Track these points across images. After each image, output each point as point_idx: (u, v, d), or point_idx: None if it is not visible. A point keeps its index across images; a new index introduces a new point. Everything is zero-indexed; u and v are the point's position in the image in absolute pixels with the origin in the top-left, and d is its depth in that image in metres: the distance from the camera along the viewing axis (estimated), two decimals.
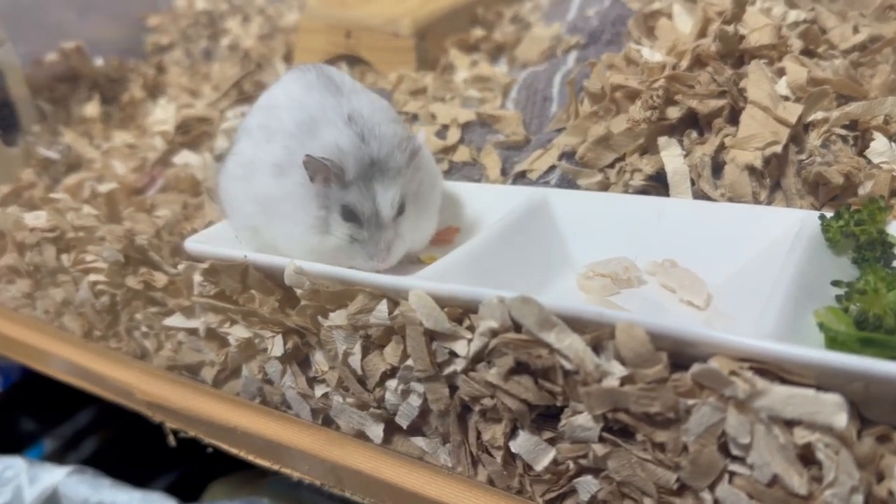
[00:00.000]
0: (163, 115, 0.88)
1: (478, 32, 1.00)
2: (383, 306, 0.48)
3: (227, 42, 1.15)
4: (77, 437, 1.23)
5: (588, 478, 0.44)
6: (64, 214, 0.65)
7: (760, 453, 0.37)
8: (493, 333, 0.44)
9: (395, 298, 0.48)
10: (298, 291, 0.51)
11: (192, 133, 0.84)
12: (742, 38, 0.60)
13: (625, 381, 0.40)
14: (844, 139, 0.58)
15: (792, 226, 0.52)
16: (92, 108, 0.95)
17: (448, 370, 0.46)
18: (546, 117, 0.75)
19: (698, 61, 0.63)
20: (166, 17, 1.24)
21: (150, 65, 1.10)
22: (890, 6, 0.75)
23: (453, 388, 0.47)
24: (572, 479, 0.45)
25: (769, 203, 0.56)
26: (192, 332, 0.58)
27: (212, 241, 0.57)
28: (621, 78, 0.64)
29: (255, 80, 0.95)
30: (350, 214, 0.54)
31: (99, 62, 1.06)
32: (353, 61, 1.01)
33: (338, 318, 0.51)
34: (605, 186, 0.64)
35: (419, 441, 0.51)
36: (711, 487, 0.40)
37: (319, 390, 0.54)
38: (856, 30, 0.67)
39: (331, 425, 0.55)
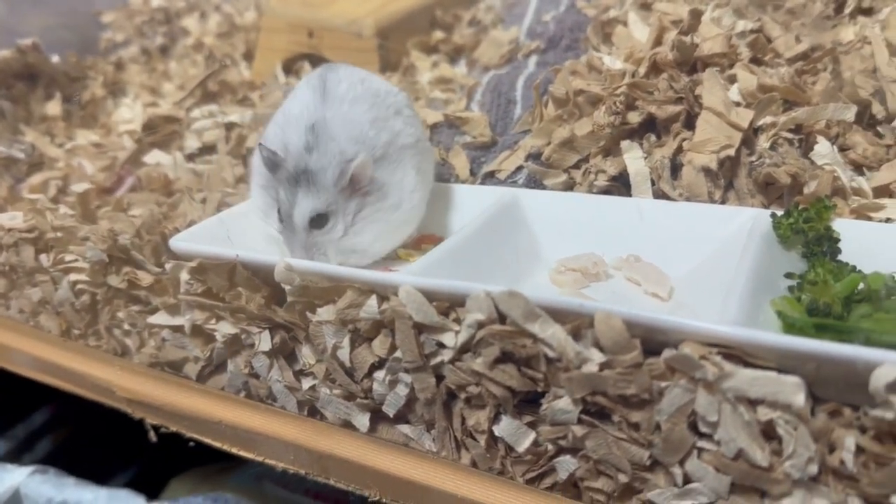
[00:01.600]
0: (129, 114, 0.88)
1: (438, 34, 1.03)
2: (373, 301, 0.50)
3: (189, 41, 1.14)
4: (31, 438, 1.22)
5: (567, 457, 0.47)
6: (43, 215, 0.65)
7: (727, 430, 0.41)
8: (480, 325, 0.47)
9: (383, 294, 0.51)
10: (287, 288, 0.53)
11: (159, 132, 0.85)
12: (696, 46, 0.64)
13: (603, 366, 0.44)
14: (790, 142, 0.63)
15: (745, 223, 0.56)
16: (53, 107, 0.94)
17: (435, 361, 0.49)
18: (510, 119, 0.78)
19: (655, 68, 0.67)
20: (121, 14, 1.23)
21: (109, 62, 1.09)
22: (827, 16, 0.81)
23: (439, 378, 0.50)
24: (552, 459, 0.48)
25: (723, 202, 0.61)
26: (177, 329, 0.60)
27: (196, 240, 0.59)
28: (584, 83, 0.68)
29: (220, 79, 0.95)
30: (279, 212, 0.60)
31: (55, 59, 1.05)
32: (316, 61, 1.02)
33: (326, 313, 0.53)
34: (569, 186, 0.68)
35: (405, 428, 0.53)
36: (681, 462, 0.44)
37: (306, 383, 0.56)
38: (798, 39, 0.72)
39: (316, 416, 0.58)
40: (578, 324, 0.45)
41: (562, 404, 0.46)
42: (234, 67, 1.02)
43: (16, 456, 1.17)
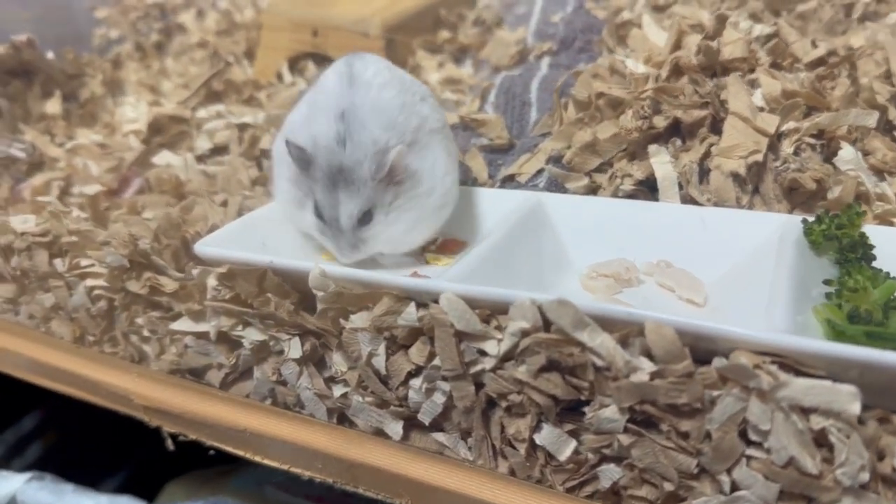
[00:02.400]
0: (133, 113, 0.87)
1: (444, 34, 1.02)
2: (412, 309, 0.49)
3: (194, 39, 1.12)
4: (21, 443, 1.19)
5: (610, 466, 0.47)
6: (59, 218, 0.64)
7: (779, 438, 0.42)
8: (524, 333, 0.46)
9: (420, 301, 0.50)
10: (320, 294, 0.52)
11: (167, 133, 0.83)
12: (720, 51, 0.64)
13: (654, 375, 0.43)
14: (813, 147, 0.63)
15: (775, 229, 0.56)
16: (53, 105, 0.92)
17: (475, 369, 0.49)
18: (526, 122, 0.78)
19: (676, 72, 0.68)
20: (115, 10, 1.20)
21: (107, 59, 1.07)
22: (838, 21, 0.82)
23: (478, 386, 0.50)
24: (594, 468, 0.48)
25: (750, 207, 0.61)
26: (201, 335, 0.59)
27: (221, 244, 0.58)
28: (605, 87, 0.68)
29: (225, 78, 0.94)
30: (317, 211, 0.59)
31: (49, 56, 1.03)
32: (320, 60, 1.01)
33: (359, 320, 0.52)
34: (591, 190, 0.68)
35: (439, 436, 0.53)
36: (729, 470, 0.44)
37: (337, 390, 0.55)
38: (814, 44, 0.72)
39: (345, 424, 0.57)
40: (627, 332, 0.44)
41: (608, 413, 0.46)
42: (236, 66, 1.01)
43: (6, 461, 1.14)
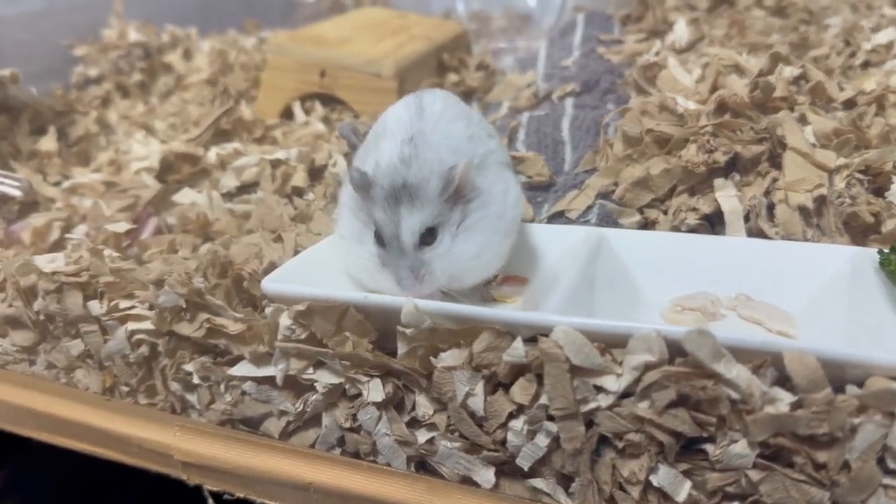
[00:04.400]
0: (143, 150, 0.81)
1: (453, 77, 1.02)
2: (518, 343, 0.47)
3: (192, 78, 1.08)
4: None
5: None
6: (101, 256, 0.58)
7: None
8: (648, 367, 0.44)
9: (524, 336, 0.48)
10: (408, 331, 0.49)
11: (179, 171, 0.79)
12: (774, 88, 0.65)
13: (794, 406, 0.42)
14: (861, 182, 0.65)
15: (846, 261, 0.57)
16: (48, 143, 0.86)
17: (588, 407, 0.46)
18: (561, 159, 0.77)
19: (721, 109, 0.68)
20: (94, 48, 1.15)
21: (97, 97, 1.01)
22: (849, 66, 0.85)
23: (588, 425, 0.47)
24: None
25: (815, 240, 0.61)
26: (264, 380, 0.54)
27: (289, 281, 0.54)
28: (654, 123, 0.68)
29: (235, 117, 0.90)
30: (378, 236, 0.55)
31: (31, 91, 0.97)
32: (327, 100, 0.99)
33: (452, 358, 0.49)
34: (643, 225, 0.67)
35: (537, 482, 0.50)
36: (864, 502, 0.43)
37: (422, 436, 0.51)
38: (840, 87, 0.75)
39: (421, 472, 0.53)
40: (761, 363, 0.43)
41: (738, 448, 0.44)
42: (236, 106, 0.97)
43: None
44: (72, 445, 0.62)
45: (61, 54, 1.13)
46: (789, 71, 0.75)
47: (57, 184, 0.82)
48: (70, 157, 0.89)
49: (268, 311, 0.51)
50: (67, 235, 0.68)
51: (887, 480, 0.42)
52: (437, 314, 0.49)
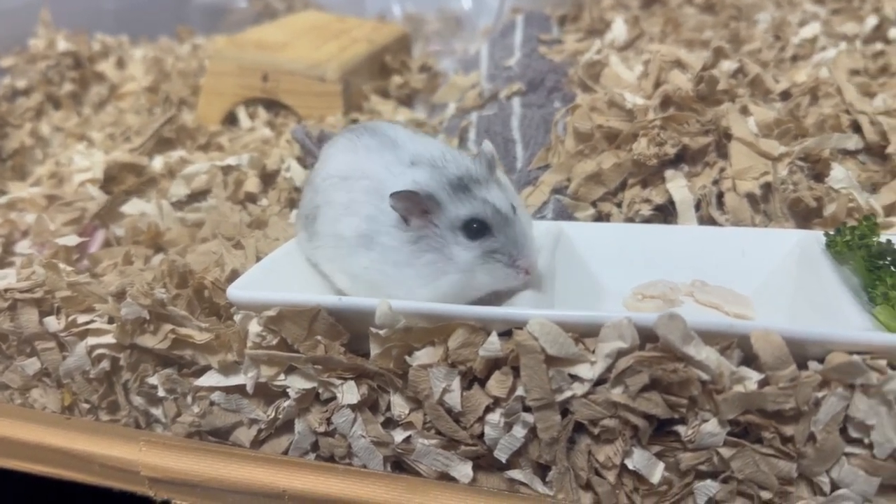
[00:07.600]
0: (86, 161, 0.79)
1: (398, 79, 1.02)
2: (494, 338, 0.47)
3: (128, 87, 1.05)
4: None
5: (707, 482, 0.47)
6: (57, 270, 0.56)
7: (883, 431, 0.43)
8: (621, 353, 0.46)
9: (490, 329, 0.48)
10: (383, 332, 0.49)
11: (124, 181, 0.76)
12: (718, 81, 0.68)
13: (762, 383, 0.44)
14: (801, 169, 0.68)
15: (795, 244, 0.59)
16: None
17: (563, 396, 0.47)
18: (513, 157, 0.78)
19: (665, 103, 0.71)
20: (21, 58, 1.10)
21: (29, 109, 0.97)
22: (780, 60, 0.89)
23: (563, 414, 0.48)
24: (687, 486, 0.47)
25: (762, 226, 0.64)
26: (233, 389, 0.53)
27: (255, 288, 0.53)
28: (604, 119, 0.70)
29: (178, 124, 0.88)
30: (473, 229, 0.51)
31: None
32: (270, 105, 0.97)
33: (426, 356, 0.50)
34: (597, 218, 0.69)
35: (514, 474, 0.50)
36: (828, 471, 0.45)
37: (398, 435, 0.52)
38: (776, 79, 0.78)
39: (398, 471, 0.53)
40: (728, 344, 0.45)
41: (709, 427, 0.45)
42: (178, 113, 0.95)
43: None
44: (28, 469, 0.60)
45: None
46: (728, 65, 0.78)
47: None
48: (5, 171, 0.85)
49: (236, 318, 0.51)
50: (15, 251, 0.66)
51: (849, 449, 0.44)
52: (412, 313, 0.49)
